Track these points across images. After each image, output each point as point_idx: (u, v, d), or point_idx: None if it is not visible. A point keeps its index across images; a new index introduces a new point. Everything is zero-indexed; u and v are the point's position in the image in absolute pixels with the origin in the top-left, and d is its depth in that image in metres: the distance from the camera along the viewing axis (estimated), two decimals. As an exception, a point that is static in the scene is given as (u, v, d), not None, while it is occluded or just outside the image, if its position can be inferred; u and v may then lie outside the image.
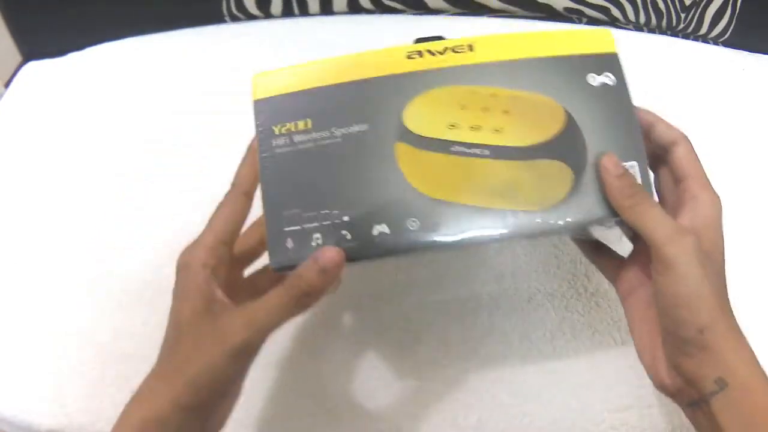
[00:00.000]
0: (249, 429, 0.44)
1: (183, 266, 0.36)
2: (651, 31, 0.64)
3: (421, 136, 0.36)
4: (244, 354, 0.34)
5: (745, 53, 0.62)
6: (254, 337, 0.33)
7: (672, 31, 0.64)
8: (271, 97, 0.38)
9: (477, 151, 0.36)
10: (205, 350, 0.33)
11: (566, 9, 0.62)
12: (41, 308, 0.48)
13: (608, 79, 0.38)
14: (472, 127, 0.37)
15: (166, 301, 0.48)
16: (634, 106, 0.38)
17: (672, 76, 0.60)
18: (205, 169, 0.54)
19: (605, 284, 0.49)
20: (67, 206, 0.52)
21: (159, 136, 0.56)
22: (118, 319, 0.47)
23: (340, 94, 0.37)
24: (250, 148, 0.39)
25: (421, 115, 0.37)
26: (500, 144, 0.36)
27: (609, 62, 0.38)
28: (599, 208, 0.36)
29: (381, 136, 0.36)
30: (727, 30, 0.62)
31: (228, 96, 0.57)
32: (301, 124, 0.37)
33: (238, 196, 0.37)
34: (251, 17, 0.63)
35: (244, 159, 0.38)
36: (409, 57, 0.38)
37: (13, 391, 0.45)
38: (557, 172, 0.36)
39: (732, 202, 0.53)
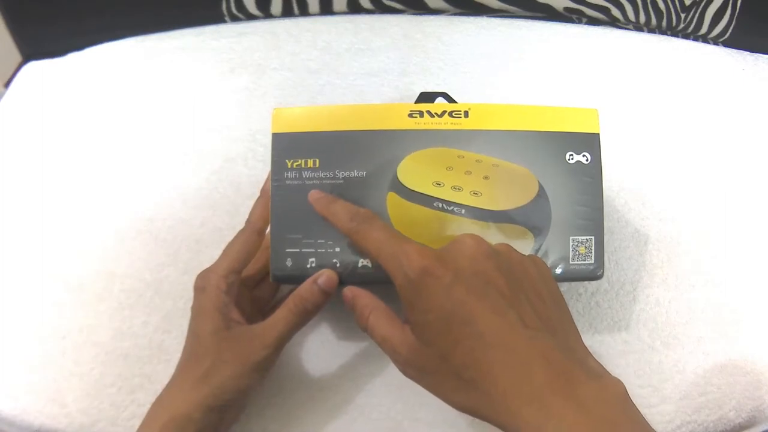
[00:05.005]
0: (249, 428, 0.44)
1: (200, 289, 0.41)
2: (651, 31, 0.64)
3: (409, 189, 0.41)
4: (264, 368, 0.40)
5: (745, 53, 0.63)
6: (271, 353, 0.39)
7: (672, 31, 0.64)
8: (287, 133, 0.42)
9: (454, 208, 0.41)
10: (229, 364, 0.38)
11: (566, 9, 0.62)
12: (41, 308, 0.48)
13: (584, 158, 0.42)
14: (454, 187, 0.42)
15: (165, 302, 0.48)
16: (602, 185, 0.42)
17: (672, 76, 0.60)
18: (205, 170, 0.54)
19: (605, 284, 0.49)
20: (67, 206, 0.52)
21: (158, 136, 0.56)
22: (118, 319, 0.47)
23: (346, 140, 0.42)
24: (263, 191, 0.44)
25: (413, 171, 0.42)
26: (475, 206, 0.41)
27: (589, 142, 0.43)
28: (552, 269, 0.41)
29: (376, 184, 0.42)
30: (727, 30, 0.62)
31: (227, 95, 0.58)
32: (310, 162, 0.42)
33: (252, 234, 0.43)
34: (251, 17, 0.63)
35: (258, 201, 0.44)
36: (410, 115, 0.42)
37: (13, 391, 0.45)
38: (521, 235, 0.41)
39: (732, 202, 0.53)
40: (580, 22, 0.64)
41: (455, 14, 0.64)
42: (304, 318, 0.40)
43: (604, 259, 0.42)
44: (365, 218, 0.38)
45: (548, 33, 0.62)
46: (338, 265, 0.41)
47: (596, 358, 0.33)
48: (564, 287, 0.49)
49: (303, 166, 0.42)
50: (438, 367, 0.33)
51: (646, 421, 0.30)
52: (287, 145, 0.42)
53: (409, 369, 0.35)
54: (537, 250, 0.41)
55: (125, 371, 0.46)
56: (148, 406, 0.39)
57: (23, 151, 0.55)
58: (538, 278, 0.35)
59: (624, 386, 0.31)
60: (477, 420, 0.32)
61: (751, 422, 0.46)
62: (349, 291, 0.38)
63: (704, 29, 0.62)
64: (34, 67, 0.61)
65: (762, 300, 0.49)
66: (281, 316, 0.40)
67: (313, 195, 0.41)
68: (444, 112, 0.42)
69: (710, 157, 0.56)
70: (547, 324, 0.33)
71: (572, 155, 0.42)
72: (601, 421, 0.29)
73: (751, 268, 0.50)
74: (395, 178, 0.42)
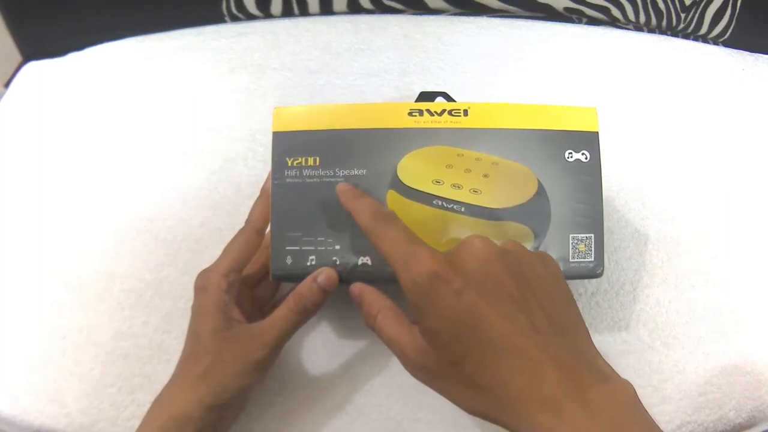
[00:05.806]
0: (249, 428, 0.44)
1: (200, 289, 0.41)
2: (651, 31, 0.64)
3: (409, 187, 0.42)
4: (264, 367, 0.40)
5: (745, 53, 0.63)
6: (270, 352, 0.39)
7: (672, 31, 0.64)
8: (288, 131, 0.42)
9: (454, 206, 0.41)
10: (229, 363, 0.38)
11: (566, 9, 0.62)
12: (41, 308, 0.48)
13: (583, 156, 0.43)
14: (453, 185, 0.42)
15: (165, 302, 0.48)
16: (601, 183, 0.42)
17: (672, 76, 0.60)
18: (205, 170, 0.54)
19: (605, 284, 0.49)
20: (67, 206, 0.52)
21: (158, 136, 0.56)
22: (118, 319, 0.48)
23: (346, 139, 0.42)
24: (263, 191, 0.44)
25: (412, 169, 0.42)
26: (475, 203, 0.41)
27: (588, 140, 0.43)
28: None
29: (376, 182, 0.42)
30: (727, 30, 0.62)
31: (227, 95, 0.58)
32: (310, 161, 0.42)
33: (251, 233, 0.43)
34: (251, 17, 0.63)
35: (258, 200, 0.44)
36: (410, 114, 0.43)
37: (13, 391, 0.45)
38: (520, 234, 0.41)
39: (732, 202, 0.53)
40: (580, 22, 0.64)
41: (455, 14, 0.64)
42: (304, 316, 0.40)
43: (603, 257, 0.42)
44: (384, 218, 0.37)
45: (548, 33, 0.62)
46: (338, 263, 0.41)
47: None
48: (564, 287, 0.49)
49: (303, 164, 0.42)
50: (449, 372, 0.32)
51: (655, 423, 0.30)
52: (288, 144, 0.42)
53: (419, 373, 0.34)
54: (536, 248, 0.41)
55: (125, 371, 0.46)
56: (148, 406, 0.39)
57: (23, 151, 0.55)
58: (548, 277, 0.35)
59: (633, 388, 0.31)
60: (479, 420, 0.32)
61: (751, 422, 0.46)
62: (357, 288, 0.37)
63: (704, 29, 0.62)
64: (34, 67, 0.61)
65: (762, 300, 0.49)
66: (281, 314, 0.40)
67: (341, 187, 0.40)
68: (444, 110, 0.43)
69: (710, 157, 0.56)
70: (557, 326, 0.32)
71: (571, 153, 0.42)
72: (611, 424, 0.29)
73: (751, 268, 0.50)
74: (395, 176, 0.42)
